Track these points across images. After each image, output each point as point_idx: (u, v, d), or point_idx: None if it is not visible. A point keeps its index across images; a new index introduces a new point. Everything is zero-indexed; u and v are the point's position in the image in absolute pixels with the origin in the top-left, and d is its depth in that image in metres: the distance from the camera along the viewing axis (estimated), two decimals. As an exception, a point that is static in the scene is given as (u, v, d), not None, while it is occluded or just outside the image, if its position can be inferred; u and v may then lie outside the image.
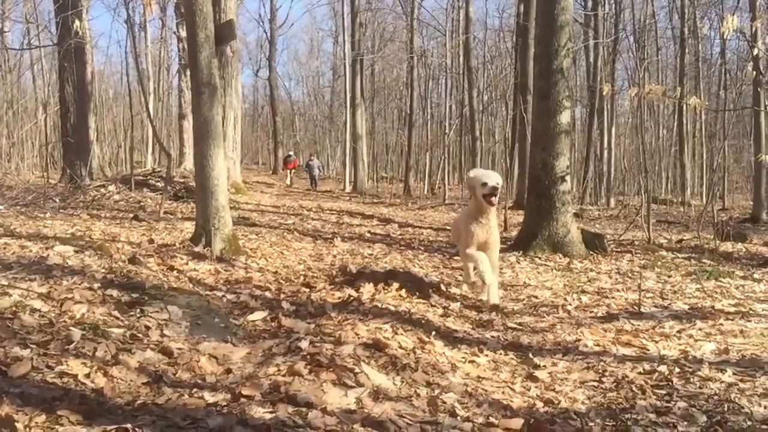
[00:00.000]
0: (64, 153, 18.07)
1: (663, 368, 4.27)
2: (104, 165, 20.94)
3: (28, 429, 2.83)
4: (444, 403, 3.69)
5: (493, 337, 5.18)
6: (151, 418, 3.07)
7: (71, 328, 4.12)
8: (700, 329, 5.36)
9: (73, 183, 15.87)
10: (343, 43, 37.12)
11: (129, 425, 2.91)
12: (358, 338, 4.68)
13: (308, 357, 4.15)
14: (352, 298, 6.00)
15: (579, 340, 5.06)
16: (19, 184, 17.05)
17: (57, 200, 13.66)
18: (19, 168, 22.69)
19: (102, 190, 15.01)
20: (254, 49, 63.60)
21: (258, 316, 5.38)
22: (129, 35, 17.90)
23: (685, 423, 3.40)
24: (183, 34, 18.44)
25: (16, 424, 2.82)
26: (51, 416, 2.97)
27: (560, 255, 9.35)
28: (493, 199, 6.15)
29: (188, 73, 9.61)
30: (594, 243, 10.00)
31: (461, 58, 32.76)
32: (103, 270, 5.73)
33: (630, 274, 8.12)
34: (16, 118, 26.50)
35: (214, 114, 7.88)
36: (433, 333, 5.06)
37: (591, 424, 3.43)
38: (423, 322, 5.41)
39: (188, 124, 19.64)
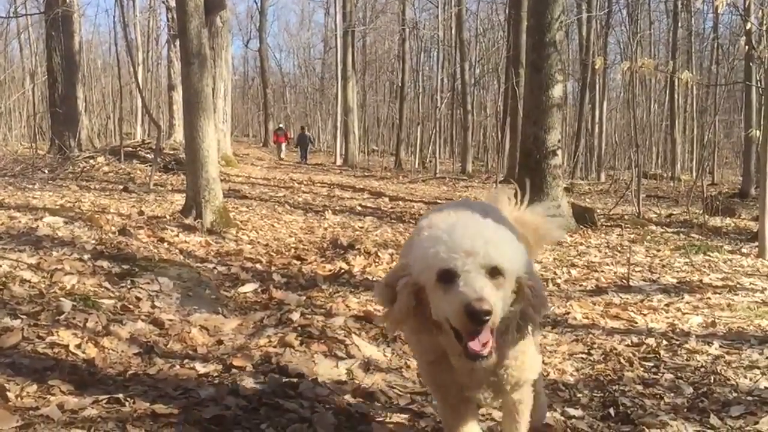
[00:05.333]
0: (52, 124, 17.89)
1: (651, 341, 4.32)
2: (93, 136, 20.75)
3: (19, 399, 2.84)
4: (434, 374, 3.72)
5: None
6: (142, 389, 3.08)
7: (62, 299, 4.11)
8: (687, 303, 5.42)
9: (62, 154, 15.75)
10: (334, 14, 36.76)
11: (120, 395, 2.92)
12: (349, 310, 4.70)
13: (299, 329, 4.17)
14: (343, 270, 6.01)
15: (568, 313, 5.10)
16: (7, 154, 16.90)
17: (46, 171, 13.57)
18: (6, 138, 22.46)
19: (91, 161, 14.90)
20: (244, 20, 62.85)
21: (249, 288, 5.39)
22: (117, 4, 17.66)
23: (672, 394, 3.44)
24: (172, 3, 18.19)
25: (7, 393, 2.82)
26: (42, 386, 2.98)
27: (550, 229, 9.37)
28: (475, 343, 1.91)
29: (177, 43, 9.50)
30: (584, 217, 10.04)
31: (453, 31, 32.57)
32: (93, 241, 5.71)
33: (619, 248, 8.16)
34: (3, 88, 26.19)
35: (204, 85, 7.81)
36: (424, 305, 5.08)
37: (579, 395, 3.47)
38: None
39: (178, 96, 19.42)
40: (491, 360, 1.93)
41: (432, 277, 1.90)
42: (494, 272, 1.87)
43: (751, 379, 3.63)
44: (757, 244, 8.08)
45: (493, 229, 1.98)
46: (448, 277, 1.85)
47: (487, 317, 1.79)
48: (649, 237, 9.18)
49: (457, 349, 1.96)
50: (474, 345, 1.87)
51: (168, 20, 23.02)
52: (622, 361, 3.97)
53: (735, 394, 3.43)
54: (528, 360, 2.27)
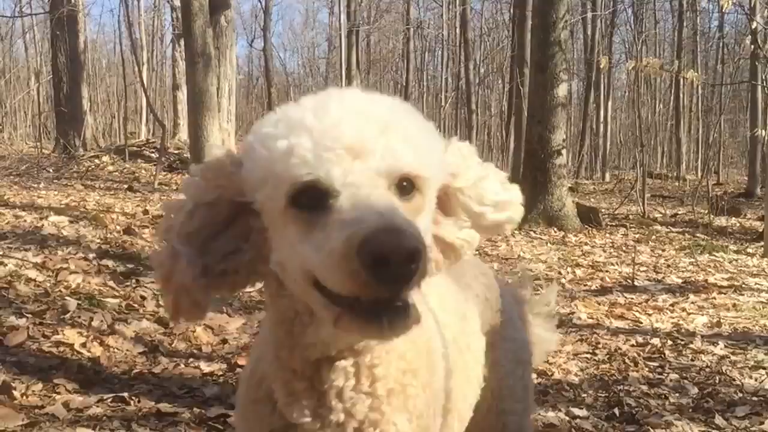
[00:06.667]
0: (57, 123, 17.95)
1: (656, 341, 4.31)
2: (98, 135, 20.82)
3: (25, 397, 2.84)
4: (438, 373, 3.71)
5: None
6: (147, 387, 3.09)
7: (67, 297, 4.12)
8: (692, 303, 5.41)
9: (67, 153, 15.78)
10: (338, 13, 36.77)
11: (125, 394, 2.93)
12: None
13: (304, 328, 4.16)
14: (347, 269, 6.00)
15: (573, 312, 5.09)
16: (13, 154, 16.96)
17: (51, 170, 13.60)
18: (12, 138, 22.54)
19: (96, 160, 14.93)
20: (249, 19, 62.66)
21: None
22: (122, 3, 17.71)
23: (677, 394, 3.44)
24: (177, 2, 18.21)
25: (13, 392, 2.83)
26: (48, 385, 2.98)
27: (555, 228, 9.37)
28: (375, 326, 0.97)
29: (182, 42, 9.53)
30: (589, 217, 10.03)
31: (458, 30, 32.51)
32: (98, 240, 5.72)
33: (624, 248, 8.15)
34: (8, 88, 26.27)
35: (208, 84, 7.83)
36: (428, 305, 5.08)
37: (584, 395, 3.46)
38: (418, 294, 5.43)
39: (182, 95, 19.43)
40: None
41: (279, 198, 1.03)
42: (406, 185, 1.06)
43: (756, 380, 3.62)
44: (762, 244, 8.06)
45: (398, 110, 1.12)
46: (313, 199, 1.01)
47: (414, 265, 0.91)
48: (654, 237, 9.16)
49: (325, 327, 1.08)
50: (374, 328, 0.96)
51: (172, 20, 23.08)
52: (626, 361, 3.97)
53: (740, 395, 3.42)
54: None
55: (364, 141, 1.02)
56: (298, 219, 1.02)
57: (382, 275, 0.90)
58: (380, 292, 0.93)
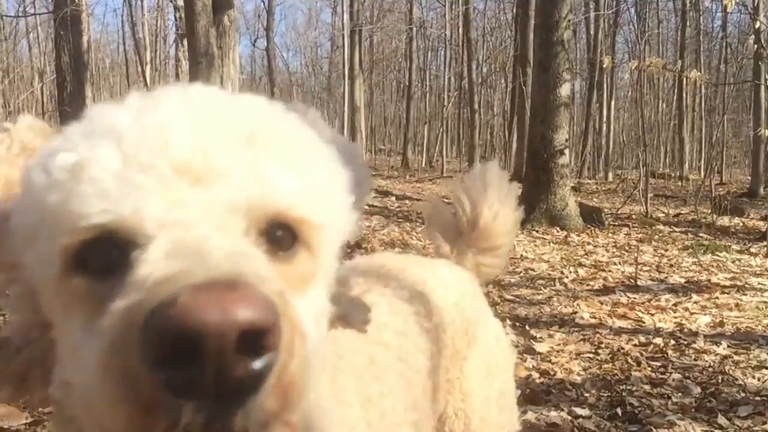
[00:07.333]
0: (60, 122, 17.98)
1: (658, 340, 4.31)
2: (101, 135, 20.82)
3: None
4: (441, 373, 3.71)
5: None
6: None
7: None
8: (695, 302, 5.41)
9: (70, 153, 15.83)
10: (341, 13, 36.76)
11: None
12: (356, 309, 4.70)
13: (306, 327, 4.16)
14: (350, 269, 6.00)
15: (575, 312, 5.09)
16: (16, 153, 17.00)
17: (54, 170, 13.63)
18: (15, 137, 22.58)
19: (99, 160, 14.98)
20: (252, 19, 62.76)
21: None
22: (125, 3, 17.74)
23: (680, 394, 3.43)
24: (180, 2, 18.23)
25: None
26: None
27: (558, 228, 9.37)
28: None
29: (185, 42, 9.53)
30: (591, 216, 10.02)
31: (461, 30, 32.49)
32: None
33: (627, 248, 8.15)
34: (12, 87, 26.34)
35: (211, 84, 7.85)
36: (431, 304, 5.08)
37: (586, 394, 3.46)
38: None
39: (185, 95, 19.46)
40: None
41: (53, 260, 0.61)
42: (281, 235, 0.66)
43: (759, 379, 3.62)
44: (765, 243, 8.05)
45: (276, 115, 0.75)
46: (111, 256, 0.59)
47: (260, 361, 0.50)
48: (656, 236, 9.15)
49: None
50: None
51: (176, 20, 23.07)
52: (629, 360, 3.97)
53: (743, 394, 3.42)
54: None
55: (209, 155, 0.62)
56: (85, 295, 0.59)
57: (183, 378, 0.48)
58: (181, 419, 0.49)
